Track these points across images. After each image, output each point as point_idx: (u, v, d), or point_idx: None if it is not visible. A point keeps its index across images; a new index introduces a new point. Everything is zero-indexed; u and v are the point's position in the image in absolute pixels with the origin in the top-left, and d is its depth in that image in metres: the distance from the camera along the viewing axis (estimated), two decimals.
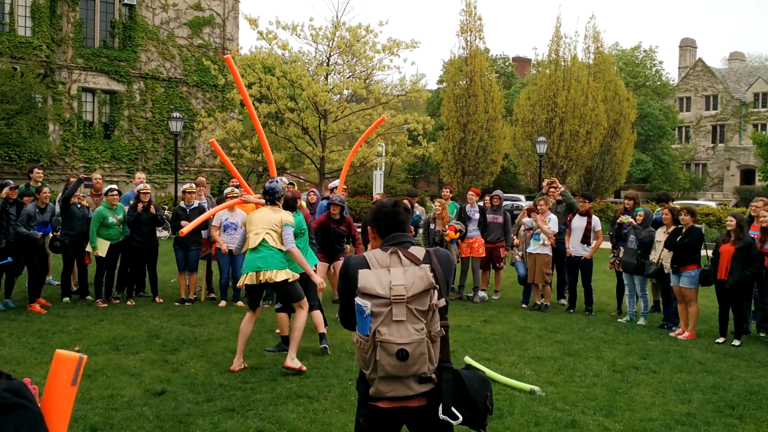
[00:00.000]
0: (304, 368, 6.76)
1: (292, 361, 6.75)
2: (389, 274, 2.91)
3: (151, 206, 10.31)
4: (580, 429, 5.30)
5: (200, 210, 10.42)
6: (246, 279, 6.92)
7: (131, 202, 10.61)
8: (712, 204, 35.13)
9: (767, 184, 35.67)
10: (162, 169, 30.66)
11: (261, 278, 6.86)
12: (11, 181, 10.27)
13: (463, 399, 2.91)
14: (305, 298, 7.17)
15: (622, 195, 45.91)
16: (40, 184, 10.85)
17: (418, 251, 3.07)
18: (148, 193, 10.39)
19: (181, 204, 10.58)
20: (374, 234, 3.25)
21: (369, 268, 2.97)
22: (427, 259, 3.04)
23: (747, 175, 52.51)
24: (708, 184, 53.90)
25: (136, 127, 30.11)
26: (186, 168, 30.40)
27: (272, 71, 20.78)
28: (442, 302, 2.92)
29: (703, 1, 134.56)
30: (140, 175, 11.49)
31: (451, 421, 2.83)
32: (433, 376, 2.87)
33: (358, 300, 2.87)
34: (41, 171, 11.41)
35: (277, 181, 7.32)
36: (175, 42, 30.88)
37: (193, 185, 10.90)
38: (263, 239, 6.90)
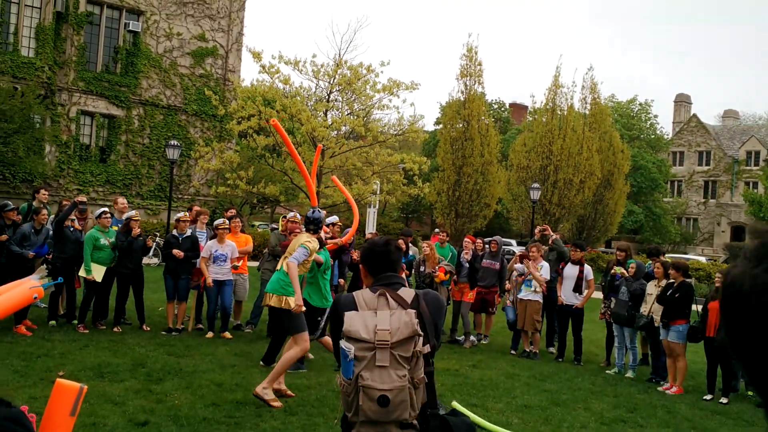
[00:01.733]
0: (277, 404, 6.67)
1: (263, 390, 6.66)
2: (375, 317, 2.90)
3: (140, 233, 10.31)
4: None
5: (192, 239, 10.39)
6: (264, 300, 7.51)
7: (114, 227, 10.56)
8: (702, 259, 35.30)
9: None
10: (156, 195, 30.62)
11: (267, 302, 7.27)
12: (10, 203, 10.25)
13: None
14: (305, 334, 7.08)
15: (613, 245, 46.07)
16: (42, 205, 10.82)
17: (407, 293, 3.06)
18: (138, 220, 10.38)
19: (174, 232, 10.54)
20: (366, 272, 3.25)
21: (357, 309, 2.97)
22: (415, 303, 3.02)
23: (737, 231, 52.84)
24: (698, 239, 54.20)
25: (133, 152, 30.14)
26: (180, 196, 30.38)
27: (272, 104, 20.94)
28: (427, 348, 2.93)
29: (699, 58, 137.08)
30: (122, 201, 11.44)
31: None
32: (415, 422, 2.87)
33: (342, 344, 2.87)
34: (47, 192, 11.41)
35: (319, 212, 7.57)
36: (177, 71, 31.12)
37: (187, 214, 10.87)
38: (281, 264, 7.31)
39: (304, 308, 7.14)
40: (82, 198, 11.41)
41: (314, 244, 7.32)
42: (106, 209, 10.26)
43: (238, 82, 26.78)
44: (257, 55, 20.52)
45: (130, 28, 29.69)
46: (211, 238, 10.60)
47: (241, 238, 10.93)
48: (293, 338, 7.12)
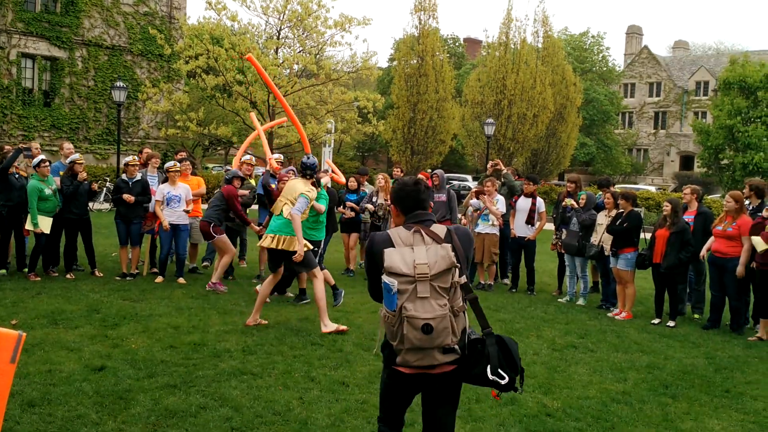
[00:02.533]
0: (344, 327, 7.51)
1: (325, 327, 7.42)
2: (413, 252, 3.13)
3: (86, 177, 10.09)
4: (519, 406, 5.43)
5: (143, 183, 10.20)
6: (265, 241, 7.64)
7: (60, 173, 10.30)
8: (652, 189, 36.12)
9: (705, 171, 36.83)
10: (104, 139, 29.86)
11: (278, 244, 7.49)
12: None
13: (507, 361, 3.18)
14: (317, 268, 7.74)
15: (565, 178, 46.83)
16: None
17: (440, 229, 3.28)
18: (82, 163, 10.12)
19: (123, 176, 10.32)
20: (397, 211, 3.44)
21: (393, 246, 3.19)
22: (449, 238, 3.25)
23: (686, 161, 54.05)
24: (648, 169, 55.34)
25: (78, 95, 29.18)
26: (129, 139, 29.66)
27: (220, 43, 20.38)
28: (463, 279, 3.17)
29: None
30: (68, 146, 11.10)
31: (500, 381, 3.11)
32: (456, 346, 3.12)
33: (384, 278, 3.09)
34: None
35: (313, 157, 8.16)
36: (120, 9, 29.94)
37: (136, 158, 10.63)
38: (281, 209, 7.63)
39: (310, 246, 7.81)
40: (31, 144, 11.04)
41: (313, 193, 7.72)
42: (44, 157, 9.94)
43: (184, 20, 25.91)
44: None
45: None
46: (163, 182, 10.43)
47: (192, 181, 10.77)
48: (311, 275, 7.72)
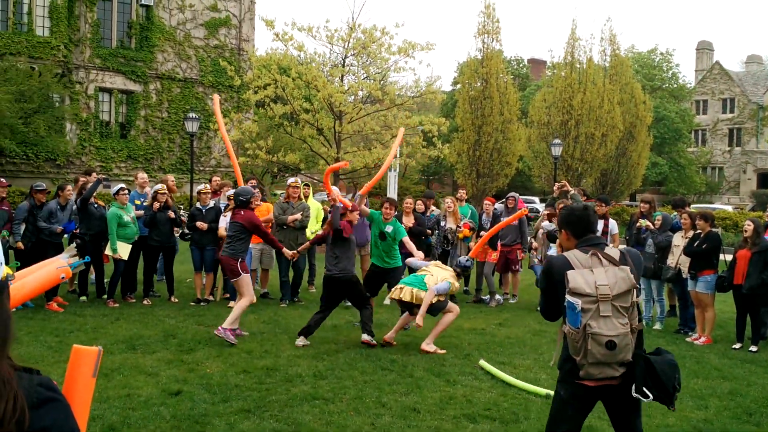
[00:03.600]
0: (441, 351, 7.77)
1: (428, 346, 7.79)
2: (593, 274, 3.36)
3: (169, 208, 10.40)
4: None
5: (216, 210, 10.46)
6: (404, 295, 7.96)
7: (136, 201, 10.72)
8: (729, 208, 34.85)
9: None
10: (178, 169, 30.82)
11: (412, 299, 7.88)
12: (43, 184, 10.41)
13: (653, 380, 3.36)
14: (448, 304, 8.09)
15: (637, 198, 45.64)
16: (66, 182, 11.01)
17: (614, 252, 3.52)
18: (165, 193, 10.45)
19: (197, 204, 10.62)
20: (567, 235, 3.67)
21: (572, 268, 3.40)
22: (624, 260, 3.48)
23: (764, 178, 52.02)
24: (724, 188, 53.46)
25: (152, 126, 30.29)
26: (201, 168, 30.54)
27: (288, 72, 20.83)
28: (641, 299, 3.38)
29: (720, 3, 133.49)
30: (142, 175, 11.54)
31: (642, 399, 3.34)
32: (630, 360, 3.39)
33: (569, 298, 3.32)
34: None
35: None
36: (192, 43, 31.05)
37: (208, 186, 10.93)
38: (424, 276, 8.10)
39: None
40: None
41: (455, 283, 8.19)
42: (123, 185, 10.34)
43: (253, 52, 26.66)
44: (270, 24, 20.33)
45: (143, 2, 29.61)
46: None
47: (262, 208, 10.97)
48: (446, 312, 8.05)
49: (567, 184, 11.78)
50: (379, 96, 21.13)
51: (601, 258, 3.43)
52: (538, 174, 36.51)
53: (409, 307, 8.00)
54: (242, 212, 8.30)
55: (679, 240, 9.39)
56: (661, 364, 3.40)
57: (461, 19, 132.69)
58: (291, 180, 11.30)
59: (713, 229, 9.12)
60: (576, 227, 3.63)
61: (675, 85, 51.88)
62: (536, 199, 40.27)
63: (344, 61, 21.74)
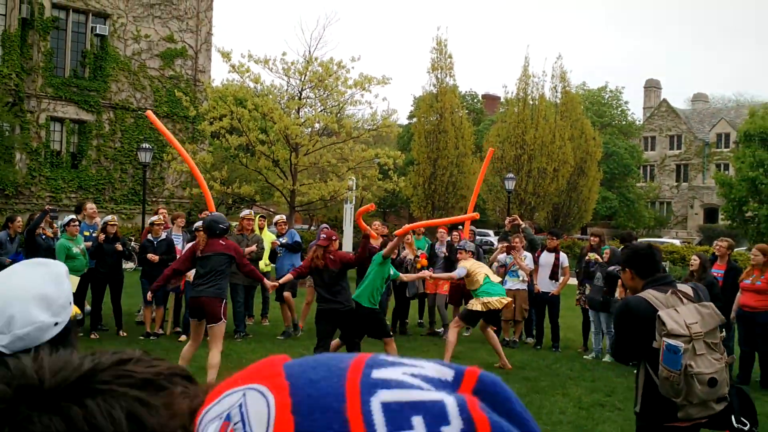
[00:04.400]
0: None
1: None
2: (678, 313, 3.35)
3: (118, 239, 10.25)
4: None
5: (168, 242, 10.34)
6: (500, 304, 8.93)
7: (85, 233, 10.50)
8: (677, 242, 35.77)
9: (729, 223, 36.48)
10: (130, 200, 30.35)
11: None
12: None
13: (749, 410, 3.48)
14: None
15: (588, 231, 46.53)
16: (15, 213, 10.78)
17: (686, 288, 3.54)
18: (115, 225, 10.30)
19: (149, 236, 10.47)
20: (632, 275, 3.64)
21: (655, 309, 3.37)
22: (697, 296, 3.51)
23: (710, 213, 53.59)
24: (672, 222, 54.88)
25: (105, 157, 29.83)
26: (154, 199, 30.13)
27: (244, 104, 20.83)
28: (723, 334, 3.60)
29: (668, 42, 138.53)
30: (91, 206, 11.31)
31: (744, 429, 3.40)
32: (727, 396, 3.43)
33: (669, 341, 3.29)
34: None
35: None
36: (147, 73, 30.82)
37: (161, 217, 10.79)
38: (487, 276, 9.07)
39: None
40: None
41: None
42: (74, 216, 10.15)
43: (209, 83, 26.57)
44: (226, 55, 20.36)
45: (97, 31, 29.33)
46: (189, 241, 10.55)
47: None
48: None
49: (518, 217, 11.99)
50: (335, 129, 21.28)
51: (681, 296, 3.42)
52: (492, 207, 37.03)
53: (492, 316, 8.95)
54: (223, 242, 7.39)
55: None
56: (748, 395, 3.55)
57: (416, 54, 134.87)
58: (245, 212, 11.21)
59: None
60: (642, 266, 3.60)
61: (624, 122, 53.43)
62: (490, 232, 40.72)
63: (301, 94, 21.87)
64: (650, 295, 3.43)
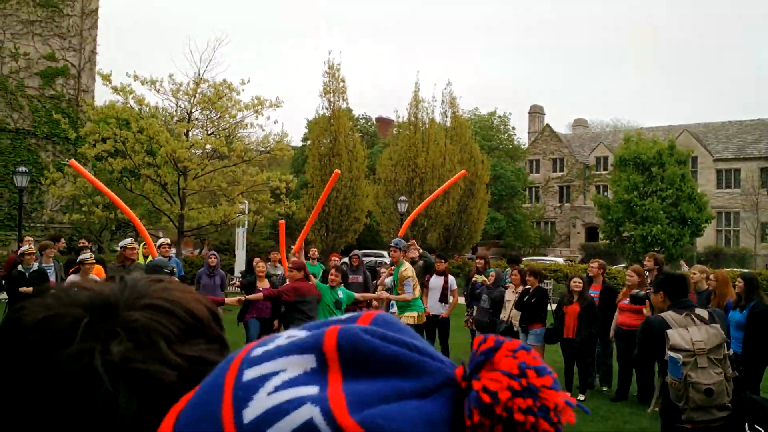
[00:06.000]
0: None
1: None
2: (688, 332, 3.97)
3: None
4: None
5: (41, 273, 9.76)
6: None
7: None
8: (560, 260, 37.31)
9: (607, 242, 38.48)
10: (5, 225, 28.56)
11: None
12: None
13: (762, 419, 3.73)
14: None
15: (477, 251, 47.83)
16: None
17: (703, 312, 4.19)
18: None
19: (19, 267, 9.83)
20: (664, 297, 4.26)
21: (670, 327, 4.01)
22: (712, 319, 4.13)
23: (591, 232, 56.29)
24: (556, 241, 57.25)
25: None
26: (32, 224, 28.47)
27: (128, 126, 20.14)
28: (731, 351, 4.18)
29: (549, 70, 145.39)
30: None
31: None
32: (729, 404, 3.96)
33: (671, 353, 3.94)
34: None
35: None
36: (25, 92, 29.25)
37: (32, 246, 10.16)
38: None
39: None
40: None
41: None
42: None
43: (91, 103, 25.51)
44: (107, 78, 19.58)
45: None
46: (73, 272, 10.06)
47: (95, 270, 10.38)
48: None
49: (414, 242, 12.11)
50: (225, 152, 20.91)
51: (694, 318, 4.05)
52: (386, 229, 37.38)
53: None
54: None
55: (510, 295, 9.90)
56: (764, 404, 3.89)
57: (311, 76, 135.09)
58: (126, 241, 10.72)
59: (541, 285, 9.71)
60: (674, 291, 4.23)
61: (511, 146, 55.47)
62: (384, 252, 41.04)
63: (189, 116, 21.38)
64: (669, 315, 4.09)
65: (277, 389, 0.54)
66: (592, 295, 9.43)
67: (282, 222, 11.59)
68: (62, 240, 11.29)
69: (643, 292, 10.27)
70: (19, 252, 10.06)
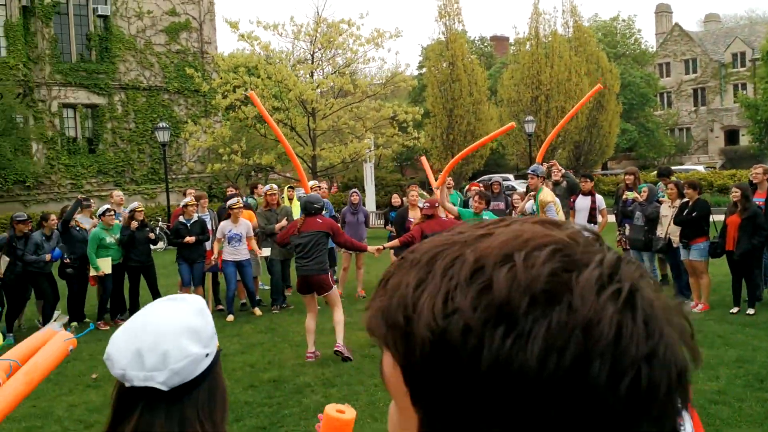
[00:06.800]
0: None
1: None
2: None
3: (146, 226, 10.28)
4: None
5: (201, 224, 10.28)
6: None
7: (115, 221, 10.45)
8: (700, 168, 35.25)
9: (756, 144, 35.86)
10: (150, 179, 30.39)
11: None
12: (24, 214, 10.09)
13: None
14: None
15: (608, 166, 45.97)
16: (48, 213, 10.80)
17: None
18: (142, 210, 10.27)
19: (181, 218, 10.40)
20: None
21: None
22: None
23: (731, 135, 52.73)
24: (693, 148, 54.08)
25: (121, 139, 29.82)
26: (174, 176, 30.14)
27: (255, 72, 20.60)
28: None
29: None
30: (118, 194, 11.39)
31: None
32: None
33: None
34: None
35: None
36: (153, 50, 30.54)
37: (192, 199, 10.70)
38: None
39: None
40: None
41: None
42: (109, 206, 10.15)
43: (219, 55, 26.23)
44: (234, 25, 20.04)
45: (99, 12, 29.03)
46: (215, 219, 10.59)
47: (245, 215, 10.78)
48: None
49: (556, 163, 11.72)
50: (350, 89, 21.01)
51: None
52: (512, 152, 36.65)
53: None
54: (320, 220, 7.86)
55: (666, 210, 9.42)
56: None
57: (420, 3, 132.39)
58: (266, 187, 11.04)
59: (700, 197, 9.17)
60: None
61: (638, 51, 52.28)
62: (510, 176, 40.39)
63: (312, 57, 21.56)
64: None
65: None
66: (759, 203, 8.80)
67: (423, 157, 11.43)
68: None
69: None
70: (182, 204, 10.63)
